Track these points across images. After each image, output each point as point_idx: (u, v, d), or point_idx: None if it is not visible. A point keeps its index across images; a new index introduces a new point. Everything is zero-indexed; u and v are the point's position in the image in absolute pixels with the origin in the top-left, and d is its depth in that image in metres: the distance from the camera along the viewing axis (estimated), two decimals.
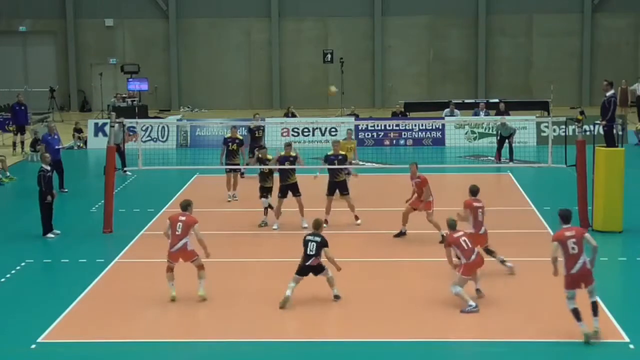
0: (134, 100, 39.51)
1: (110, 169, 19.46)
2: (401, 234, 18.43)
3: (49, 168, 19.05)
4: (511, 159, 27.62)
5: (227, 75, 45.56)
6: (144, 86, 41.63)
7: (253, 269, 16.42)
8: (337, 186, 19.62)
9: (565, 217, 12.93)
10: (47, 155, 19.65)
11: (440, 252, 17.16)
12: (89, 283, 15.47)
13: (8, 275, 16.16)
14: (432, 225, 17.99)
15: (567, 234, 12.67)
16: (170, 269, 14.56)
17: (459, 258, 14.02)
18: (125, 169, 23.84)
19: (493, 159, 28.41)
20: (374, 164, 28.68)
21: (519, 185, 24.00)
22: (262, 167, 19.78)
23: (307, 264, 14.22)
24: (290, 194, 19.34)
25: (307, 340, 12.82)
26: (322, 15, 45.07)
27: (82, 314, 14.02)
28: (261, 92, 45.67)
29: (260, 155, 20.22)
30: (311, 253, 14.17)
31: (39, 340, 12.81)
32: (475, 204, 15.63)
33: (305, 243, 14.26)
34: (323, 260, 14.29)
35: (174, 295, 14.44)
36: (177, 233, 14.42)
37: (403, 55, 45.18)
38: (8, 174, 26.06)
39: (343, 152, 20.12)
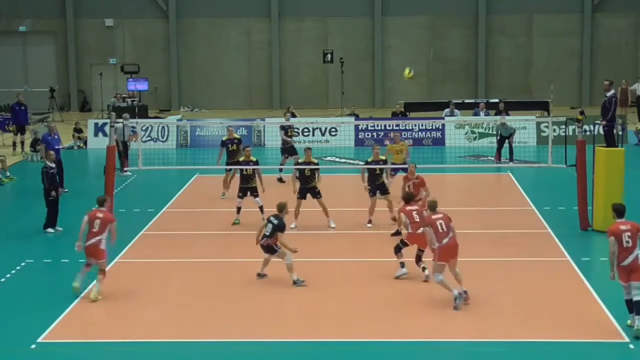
0: (134, 100, 39.51)
1: (110, 169, 19.46)
2: (397, 233, 18.35)
3: (53, 165, 19.35)
4: (511, 159, 27.61)
5: (227, 75, 45.55)
6: (144, 86, 41.64)
7: (253, 269, 16.40)
8: (379, 188, 19.48)
9: (619, 211, 13.13)
10: (52, 152, 19.98)
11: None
12: (89, 283, 15.46)
13: (8, 275, 16.16)
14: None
15: (622, 227, 12.86)
16: (88, 265, 14.91)
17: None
18: (125, 169, 23.85)
19: (493, 159, 28.40)
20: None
21: (519, 185, 24.00)
22: (243, 167, 19.77)
23: (262, 242, 15.19)
24: (309, 196, 19.37)
25: (307, 340, 12.81)
26: (322, 15, 45.06)
27: (82, 314, 14.02)
28: (261, 92, 45.66)
29: (245, 157, 20.14)
30: (267, 234, 15.10)
31: (39, 340, 12.81)
32: (409, 208, 15.61)
33: (266, 223, 15.22)
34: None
35: (77, 286, 14.71)
36: (93, 230, 14.84)
37: (403, 55, 45.15)
38: (8, 174, 26.06)
39: (384, 158, 19.83)
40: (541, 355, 12.19)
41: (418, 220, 14.92)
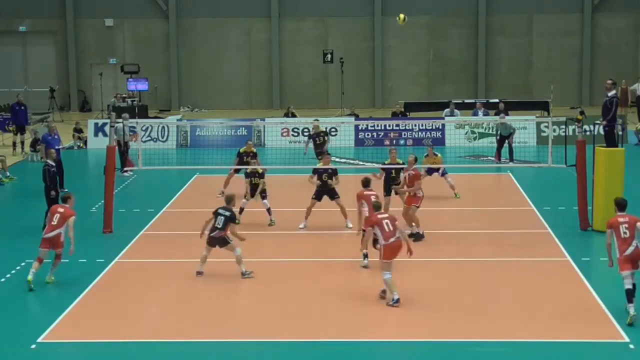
0: (134, 100, 39.53)
1: (110, 169, 19.46)
2: (418, 236, 18.18)
3: (53, 164, 19.38)
4: (511, 159, 27.60)
5: (227, 75, 45.57)
6: (144, 86, 41.65)
7: (253, 269, 16.40)
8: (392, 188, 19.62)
9: (621, 205, 13.73)
10: (53, 151, 20.01)
11: (441, 252, 17.20)
12: (89, 283, 15.47)
13: (8, 275, 16.16)
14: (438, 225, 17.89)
15: (620, 220, 13.47)
16: (40, 260, 15.35)
17: (375, 240, 14.41)
18: (125, 169, 23.86)
19: (493, 159, 28.40)
20: (373, 164, 28.62)
21: (519, 185, 24.00)
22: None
23: (212, 234, 15.46)
24: (326, 197, 19.41)
25: (307, 340, 12.81)
26: (322, 15, 45.07)
27: (82, 314, 14.02)
28: (261, 92, 45.68)
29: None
30: (218, 226, 15.42)
31: (39, 340, 12.81)
32: (367, 192, 16.46)
33: (216, 216, 15.45)
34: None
35: (30, 280, 15.14)
36: (52, 223, 15.55)
37: (403, 55, 45.18)
38: (8, 174, 26.06)
39: (400, 162, 19.61)
40: (541, 355, 12.19)
41: (389, 230, 14.38)
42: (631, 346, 12.32)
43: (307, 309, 14.06)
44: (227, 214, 15.55)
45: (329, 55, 42.79)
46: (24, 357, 12.35)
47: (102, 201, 19.91)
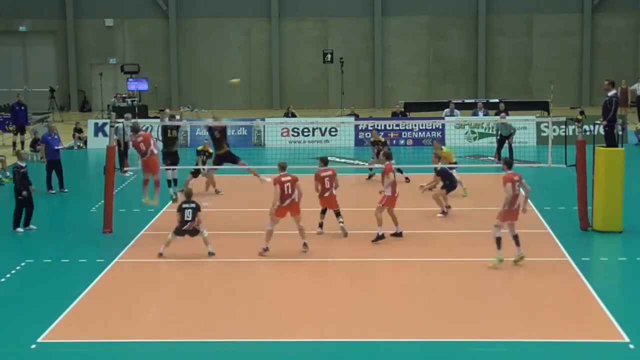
0: (134, 100, 39.53)
1: (110, 169, 19.46)
2: (396, 234, 18.39)
3: (24, 164, 19.52)
4: (511, 159, 27.56)
5: (227, 75, 45.43)
6: (144, 86, 41.65)
7: (253, 269, 16.42)
8: None
9: (509, 163, 16.35)
10: (24, 152, 20.12)
11: (441, 252, 17.19)
12: (89, 283, 15.47)
13: (8, 275, 16.15)
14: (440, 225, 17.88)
15: (515, 177, 15.84)
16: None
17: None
18: (125, 168, 23.85)
19: (493, 159, 28.39)
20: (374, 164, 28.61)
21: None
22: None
23: (184, 228, 16.63)
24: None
25: (307, 340, 12.81)
26: (322, 15, 45.10)
27: (82, 314, 14.02)
28: (261, 92, 45.70)
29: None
30: (188, 219, 16.60)
31: (39, 340, 12.80)
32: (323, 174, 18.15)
33: (182, 210, 16.65)
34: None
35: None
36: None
37: (403, 55, 45.19)
38: (8, 174, 26.04)
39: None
40: (541, 355, 12.19)
41: (286, 193, 16.83)
42: (631, 346, 12.32)
43: (307, 309, 14.06)
44: (194, 205, 16.73)
45: (329, 55, 42.80)
46: (24, 357, 12.34)
47: (102, 201, 19.90)
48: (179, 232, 16.78)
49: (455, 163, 22.50)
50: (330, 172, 18.26)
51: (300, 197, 16.88)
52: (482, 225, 19.40)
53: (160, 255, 16.87)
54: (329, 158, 21.52)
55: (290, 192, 16.65)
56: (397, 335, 12.93)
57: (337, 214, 18.50)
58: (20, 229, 19.35)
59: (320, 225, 18.75)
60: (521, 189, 16.15)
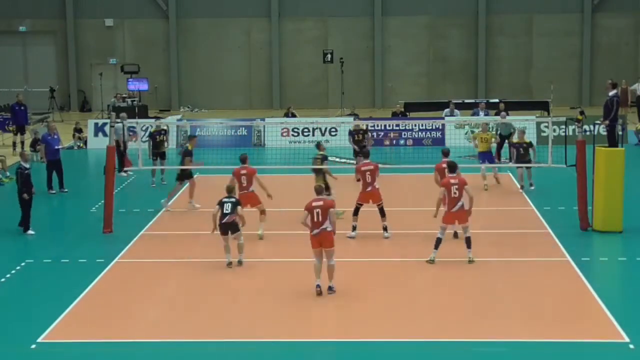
0: (134, 100, 39.54)
1: (110, 169, 19.46)
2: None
3: (27, 165, 19.26)
4: (511, 159, 27.55)
5: (227, 75, 45.58)
6: (144, 86, 41.65)
7: (253, 269, 16.42)
8: None
9: (451, 167, 16.40)
10: (27, 152, 19.91)
11: (440, 252, 17.18)
12: (89, 283, 15.47)
13: (8, 275, 16.16)
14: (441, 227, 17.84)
15: (452, 181, 15.98)
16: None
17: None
18: (125, 169, 23.87)
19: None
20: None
21: (519, 186, 23.98)
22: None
23: (223, 221, 16.18)
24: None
25: (308, 341, 12.82)
26: (322, 15, 45.09)
27: (82, 314, 14.02)
28: (261, 92, 45.70)
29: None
30: (227, 211, 16.17)
31: (39, 340, 12.81)
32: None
33: (222, 204, 16.24)
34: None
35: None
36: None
37: (403, 55, 45.20)
38: (8, 174, 26.06)
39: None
40: (541, 355, 12.19)
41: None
42: (631, 346, 12.32)
43: (307, 309, 14.06)
44: (233, 199, 16.40)
45: (329, 55, 42.81)
46: (24, 357, 12.35)
47: (102, 201, 19.90)
48: (222, 228, 16.23)
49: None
50: (372, 167, 18.05)
51: (335, 227, 14.62)
52: (482, 225, 19.42)
53: (228, 265, 16.33)
54: (329, 158, 21.57)
55: (320, 219, 14.33)
56: (397, 335, 12.93)
57: (382, 214, 18.18)
58: (31, 232, 19.12)
59: (354, 229, 18.34)
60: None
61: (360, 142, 24.78)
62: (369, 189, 18.05)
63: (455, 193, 15.89)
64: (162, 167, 24.16)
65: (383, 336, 12.92)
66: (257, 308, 14.14)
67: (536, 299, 14.40)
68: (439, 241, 16.12)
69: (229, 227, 16.22)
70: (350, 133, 25.22)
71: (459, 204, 15.94)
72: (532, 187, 23.11)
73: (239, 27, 45.28)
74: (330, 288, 14.49)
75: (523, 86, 44.81)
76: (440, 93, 43.62)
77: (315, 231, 14.38)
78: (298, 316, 13.76)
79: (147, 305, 14.46)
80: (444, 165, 17.59)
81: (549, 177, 24.72)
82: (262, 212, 18.58)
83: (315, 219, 14.33)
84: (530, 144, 22.92)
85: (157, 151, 24.75)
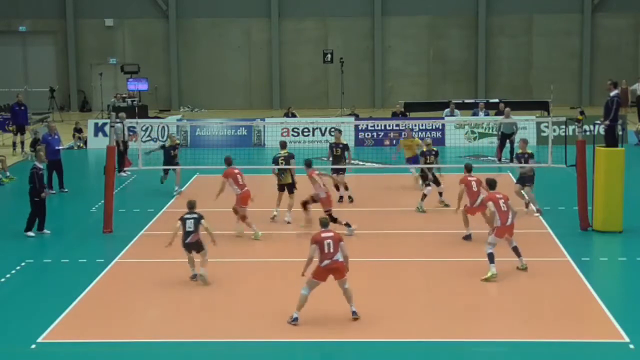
0: (134, 100, 39.53)
1: (110, 169, 19.46)
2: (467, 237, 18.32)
3: (41, 166, 19.19)
4: (511, 159, 27.57)
5: (227, 75, 45.58)
6: (144, 86, 41.65)
7: (253, 269, 16.41)
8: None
9: (492, 184, 16.28)
10: (42, 154, 19.73)
11: (440, 252, 17.18)
12: (89, 283, 15.47)
13: (8, 275, 16.16)
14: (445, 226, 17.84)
15: (498, 196, 15.76)
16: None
17: None
18: (125, 169, 23.87)
19: (493, 158, 28.38)
20: (373, 164, 28.66)
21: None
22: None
23: (186, 241, 15.25)
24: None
25: (307, 341, 12.81)
26: (322, 15, 45.08)
27: (82, 314, 14.02)
28: (261, 92, 45.70)
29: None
30: (190, 229, 15.20)
31: (39, 340, 12.81)
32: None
33: (184, 221, 15.27)
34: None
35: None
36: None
37: (403, 55, 45.20)
38: (8, 174, 26.06)
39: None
40: (541, 355, 12.19)
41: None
42: (631, 346, 12.32)
43: (307, 309, 14.05)
44: (195, 215, 15.38)
45: (329, 55, 42.81)
46: (24, 357, 12.35)
47: (102, 201, 19.90)
48: (186, 248, 15.41)
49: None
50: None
51: (347, 259, 13.67)
52: (483, 225, 19.42)
53: (192, 278, 15.52)
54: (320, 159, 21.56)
55: (332, 250, 13.43)
56: (397, 335, 12.93)
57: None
58: (31, 233, 19.00)
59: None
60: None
61: (339, 157, 22.04)
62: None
63: (504, 207, 15.59)
64: (163, 168, 23.95)
65: (383, 336, 12.92)
66: (257, 308, 14.13)
67: (536, 299, 14.41)
68: (491, 256, 15.44)
69: (192, 246, 15.32)
70: (330, 146, 22.38)
71: (510, 217, 15.62)
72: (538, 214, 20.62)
73: (239, 27, 45.28)
74: (354, 313, 13.48)
75: (523, 86, 44.81)
76: (440, 93, 43.63)
77: (326, 262, 13.36)
78: (298, 316, 13.75)
79: (147, 305, 14.46)
80: (469, 178, 18.16)
81: (549, 177, 24.71)
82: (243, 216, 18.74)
83: (327, 250, 13.37)
84: (531, 155, 21.26)
85: (170, 165, 23.42)
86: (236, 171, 18.85)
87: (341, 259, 13.51)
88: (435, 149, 21.80)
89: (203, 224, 15.31)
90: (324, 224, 13.84)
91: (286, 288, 15.14)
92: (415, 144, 23.52)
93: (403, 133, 25.06)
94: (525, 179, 20.53)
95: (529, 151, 20.84)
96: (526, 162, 20.64)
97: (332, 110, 41.56)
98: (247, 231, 18.57)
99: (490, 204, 15.69)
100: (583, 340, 12.66)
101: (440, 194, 21.31)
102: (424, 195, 20.80)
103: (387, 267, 16.45)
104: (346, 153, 22.14)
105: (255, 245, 18.14)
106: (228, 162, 19.22)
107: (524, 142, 21.11)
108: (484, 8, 44.36)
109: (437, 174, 21.41)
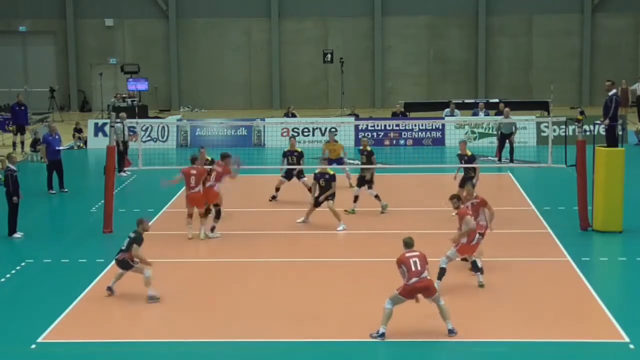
0: (134, 100, 39.54)
1: (110, 169, 19.46)
2: None
3: (15, 168, 19.11)
4: (511, 159, 27.61)
5: (227, 75, 45.58)
6: (144, 86, 41.65)
7: (253, 269, 16.41)
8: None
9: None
10: (15, 155, 19.67)
11: (440, 252, 17.18)
12: (89, 283, 15.47)
13: (8, 275, 16.16)
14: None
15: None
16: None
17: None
18: (125, 169, 23.87)
19: (493, 158, 28.40)
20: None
21: (519, 185, 24.00)
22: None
23: (116, 257, 14.63)
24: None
25: (307, 341, 12.81)
26: (322, 15, 45.09)
27: (82, 314, 14.02)
28: (261, 92, 45.70)
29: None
30: (122, 247, 14.58)
31: (39, 340, 12.81)
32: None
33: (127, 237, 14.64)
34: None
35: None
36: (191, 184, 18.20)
37: (403, 55, 45.20)
38: None
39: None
40: (541, 355, 12.19)
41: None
42: (631, 346, 12.32)
43: (307, 309, 14.06)
44: (132, 235, 14.61)
45: (329, 55, 42.82)
46: (24, 357, 12.35)
47: (102, 201, 19.90)
48: (116, 264, 14.77)
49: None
50: None
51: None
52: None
53: (108, 289, 14.79)
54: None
55: (419, 268, 13.04)
56: (397, 335, 12.92)
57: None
58: (18, 235, 18.91)
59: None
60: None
61: (324, 189, 19.43)
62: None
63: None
64: (161, 167, 23.93)
65: (383, 336, 12.90)
66: (257, 308, 14.13)
67: (536, 299, 14.40)
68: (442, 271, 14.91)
69: (120, 264, 14.61)
70: (315, 176, 19.71)
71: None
72: None
73: (239, 27, 45.28)
74: (450, 331, 12.86)
75: (523, 86, 44.81)
76: (440, 93, 43.62)
77: (414, 279, 12.90)
78: (298, 316, 13.76)
79: (147, 305, 14.45)
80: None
81: (549, 177, 24.73)
82: (206, 212, 18.71)
83: (414, 268, 12.96)
84: (472, 157, 20.60)
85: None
86: (193, 172, 18.65)
87: (429, 277, 13.13)
88: (369, 148, 21.44)
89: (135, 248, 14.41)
90: (408, 245, 13.39)
91: (286, 288, 15.16)
92: (338, 147, 23.97)
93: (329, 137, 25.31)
94: (465, 179, 19.68)
95: (469, 152, 20.40)
96: (467, 163, 20.20)
97: (332, 110, 41.56)
98: (195, 231, 18.57)
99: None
100: (583, 340, 12.66)
101: (377, 196, 20.80)
102: (356, 197, 20.76)
103: (387, 267, 16.43)
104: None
105: (256, 246, 18.13)
106: (223, 156, 18.96)
107: (464, 143, 20.52)
108: (483, 8, 44.36)
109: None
